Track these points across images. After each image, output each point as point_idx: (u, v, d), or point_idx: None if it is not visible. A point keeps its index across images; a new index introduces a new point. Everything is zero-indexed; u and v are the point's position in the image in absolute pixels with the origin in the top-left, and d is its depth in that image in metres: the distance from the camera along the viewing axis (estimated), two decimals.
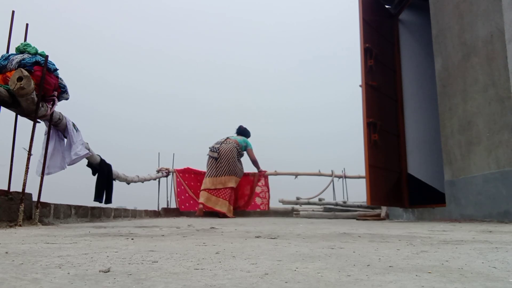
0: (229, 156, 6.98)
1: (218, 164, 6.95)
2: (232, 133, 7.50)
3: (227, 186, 6.89)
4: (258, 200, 7.56)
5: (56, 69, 3.20)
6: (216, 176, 6.91)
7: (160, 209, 7.13)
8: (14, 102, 2.87)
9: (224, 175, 6.91)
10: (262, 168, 7.54)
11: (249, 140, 7.45)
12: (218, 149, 7.02)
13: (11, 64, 2.91)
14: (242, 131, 7.51)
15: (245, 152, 7.34)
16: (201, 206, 6.87)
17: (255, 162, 7.41)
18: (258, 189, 7.58)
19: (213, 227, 2.96)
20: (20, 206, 2.79)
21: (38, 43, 3.14)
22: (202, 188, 7.02)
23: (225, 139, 7.21)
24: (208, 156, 7.19)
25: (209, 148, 7.21)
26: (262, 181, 7.60)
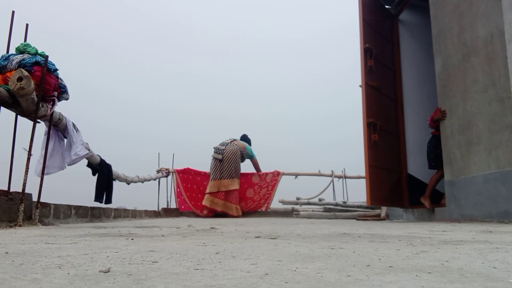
0: (232, 158, 7.04)
1: (222, 166, 7.00)
2: (235, 136, 7.64)
3: (230, 189, 6.94)
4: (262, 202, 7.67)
5: (56, 69, 3.20)
6: (220, 179, 6.95)
7: (160, 209, 7.13)
8: (14, 102, 2.87)
9: (227, 178, 6.95)
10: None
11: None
12: (223, 151, 7.08)
13: (11, 64, 2.91)
14: (246, 139, 7.67)
15: (247, 160, 7.53)
16: (205, 211, 6.93)
17: (259, 171, 7.71)
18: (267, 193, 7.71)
19: (213, 227, 2.96)
20: (20, 206, 2.79)
21: (38, 45, 3.14)
22: (206, 191, 7.05)
23: (231, 141, 7.27)
24: (212, 157, 7.22)
25: (214, 148, 7.26)
26: (270, 187, 7.71)
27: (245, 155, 7.38)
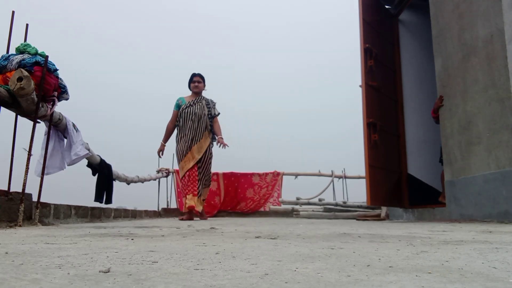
0: None
1: None
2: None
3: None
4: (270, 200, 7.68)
5: (56, 69, 3.20)
6: None
7: (160, 209, 7.14)
8: (14, 102, 2.87)
9: None
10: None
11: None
12: None
13: (11, 64, 2.91)
14: None
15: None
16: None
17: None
18: (275, 194, 7.70)
19: (213, 227, 2.96)
20: (20, 206, 2.79)
21: (38, 44, 3.14)
22: None
23: None
24: None
25: None
26: (278, 185, 7.71)
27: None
